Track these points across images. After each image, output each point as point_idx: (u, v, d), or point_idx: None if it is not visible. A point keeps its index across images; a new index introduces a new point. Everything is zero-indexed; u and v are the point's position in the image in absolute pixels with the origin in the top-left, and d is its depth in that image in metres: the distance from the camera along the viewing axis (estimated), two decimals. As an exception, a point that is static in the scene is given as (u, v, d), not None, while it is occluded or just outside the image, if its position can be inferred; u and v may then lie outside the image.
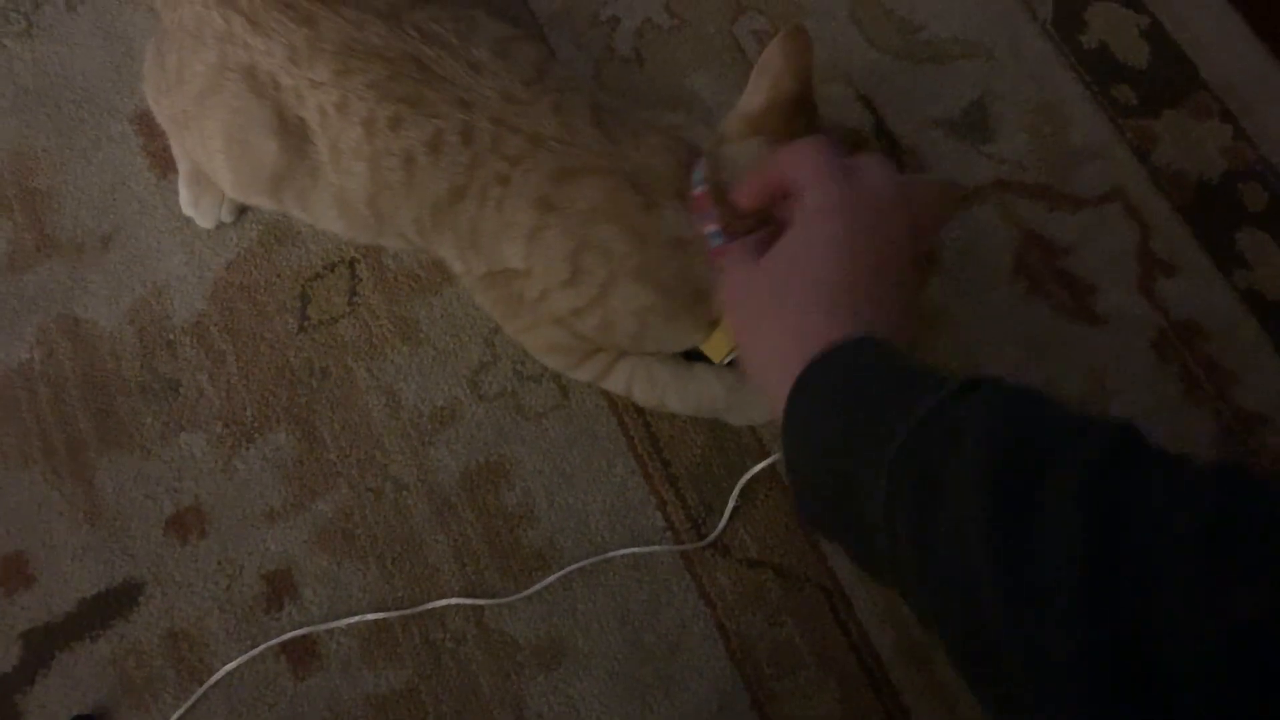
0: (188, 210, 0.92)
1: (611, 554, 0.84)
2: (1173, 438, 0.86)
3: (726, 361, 0.80)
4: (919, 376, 0.51)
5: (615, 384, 0.85)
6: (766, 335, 0.60)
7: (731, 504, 0.85)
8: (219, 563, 0.85)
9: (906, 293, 0.62)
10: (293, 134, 0.77)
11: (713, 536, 0.85)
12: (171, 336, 0.91)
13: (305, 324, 0.91)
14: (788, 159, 0.64)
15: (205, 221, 0.92)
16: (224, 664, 0.82)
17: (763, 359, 0.60)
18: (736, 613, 0.84)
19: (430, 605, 0.83)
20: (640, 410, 0.88)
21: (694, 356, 0.84)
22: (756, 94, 0.75)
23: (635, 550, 0.84)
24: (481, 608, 0.83)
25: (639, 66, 0.99)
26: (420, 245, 0.83)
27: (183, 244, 0.93)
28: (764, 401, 0.82)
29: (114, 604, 0.84)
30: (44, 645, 0.83)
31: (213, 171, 0.85)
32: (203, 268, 0.93)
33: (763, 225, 0.68)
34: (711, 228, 0.73)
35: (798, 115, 0.73)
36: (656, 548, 0.85)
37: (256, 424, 0.88)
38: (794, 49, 0.73)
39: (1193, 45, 1.00)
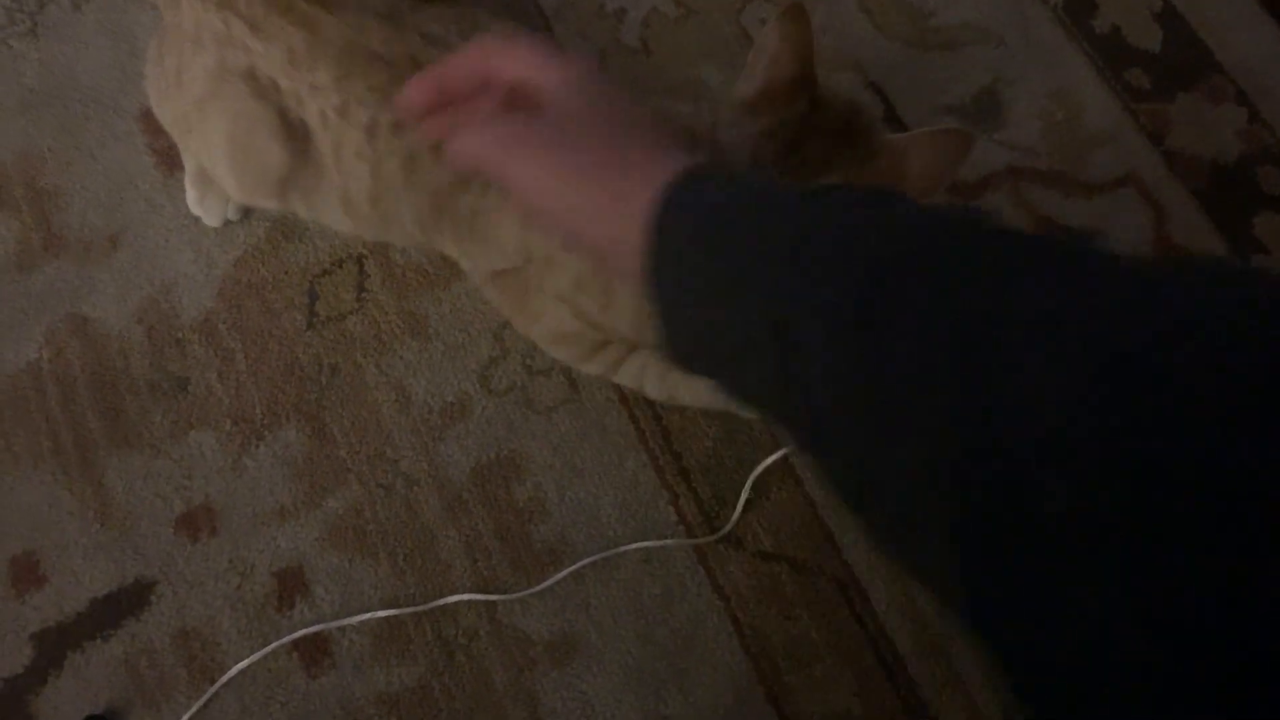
0: (195, 209, 0.92)
1: (624, 548, 0.84)
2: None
3: None
4: (763, 195, 0.46)
5: (627, 378, 0.84)
6: (580, 186, 0.49)
7: (744, 496, 0.84)
8: (230, 561, 0.84)
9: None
10: (296, 136, 0.77)
11: (726, 529, 0.84)
12: (180, 334, 0.90)
13: (314, 321, 0.90)
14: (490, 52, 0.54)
15: (212, 220, 0.92)
16: (236, 662, 0.81)
17: (584, 215, 0.49)
18: (751, 606, 0.83)
19: (442, 601, 0.82)
20: (651, 403, 0.87)
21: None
22: (753, 76, 0.73)
23: (648, 544, 0.84)
24: (494, 603, 0.83)
25: (646, 57, 0.99)
26: (423, 241, 0.82)
27: (190, 242, 0.93)
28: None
29: (125, 603, 0.83)
30: (56, 646, 0.82)
31: (217, 175, 0.85)
32: (210, 265, 0.92)
33: None
34: None
35: (798, 95, 0.72)
36: (669, 541, 0.84)
37: (266, 421, 0.88)
38: (792, 29, 0.72)
39: (1206, 28, 0.99)
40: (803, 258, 0.42)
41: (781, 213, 0.44)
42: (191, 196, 0.91)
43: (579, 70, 0.51)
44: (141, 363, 0.90)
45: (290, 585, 0.84)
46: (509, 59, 0.52)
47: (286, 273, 0.92)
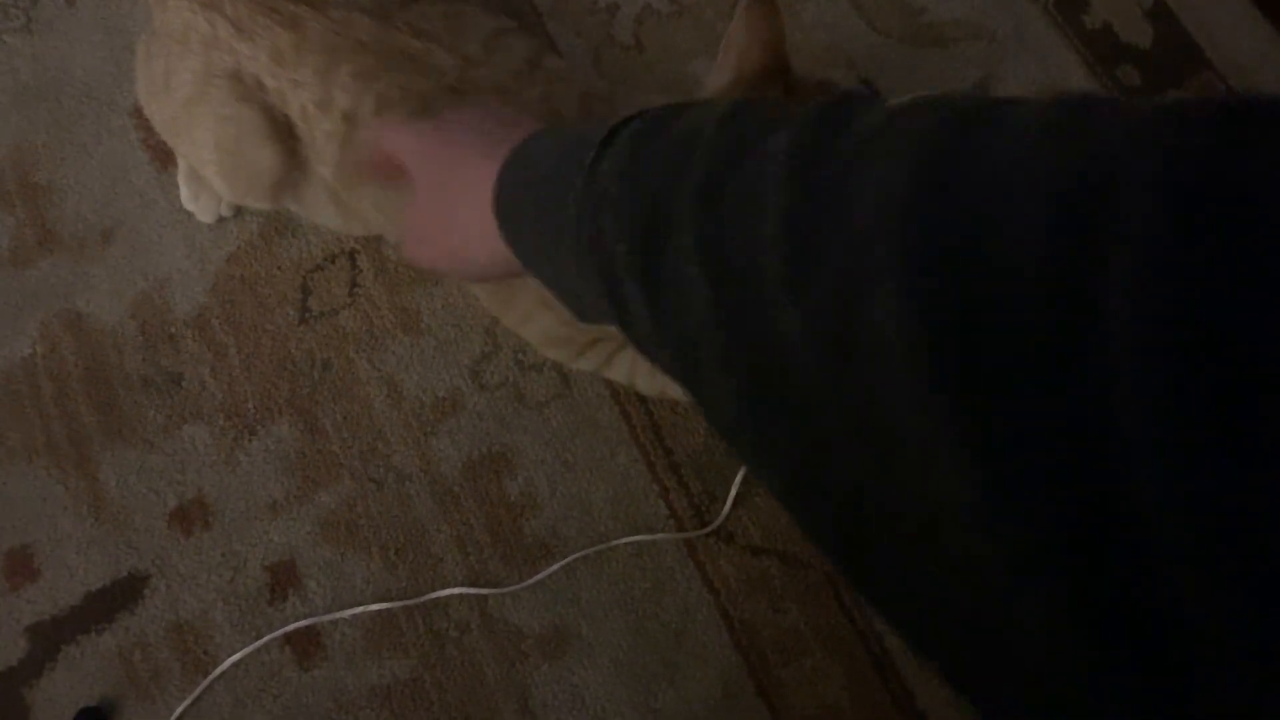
0: (188, 205, 0.92)
1: (615, 542, 0.84)
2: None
3: None
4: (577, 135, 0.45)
5: (617, 373, 0.85)
6: (455, 236, 0.54)
7: (734, 491, 0.85)
8: (223, 554, 0.85)
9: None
10: (284, 135, 0.77)
11: (716, 523, 0.84)
12: (173, 329, 0.91)
13: (306, 315, 0.91)
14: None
15: (206, 216, 0.92)
16: (229, 655, 0.82)
17: (476, 251, 0.52)
18: (740, 600, 0.83)
19: (434, 595, 0.83)
20: (642, 398, 0.88)
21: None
22: (724, 69, 0.72)
23: (638, 538, 0.84)
24: (485, 597, 0.83)
25: (639, 53, 0.99)
26: None
27: (184, 237, 0.93)
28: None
29: (119, 597, 0.84)
30: (50, 639, 0.83)
31: (208, 178, 0.85)
32: (204, 261, 0.93)
33: None
34: None
35: (768, 86, 0.71)
36: (660, 536, 0.84)
37: (259, 416, 0.88)
38: (758, 19, 0.70)
39: (1197, 25, 0.99)
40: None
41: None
42: (185, 194, 0.92)
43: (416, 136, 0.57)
44: (135, 358, 0.90)
45: (283, 579, 0.84)
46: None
47: (279, 268, 0.92)
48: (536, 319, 0.82)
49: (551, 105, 0.75)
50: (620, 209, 0.39)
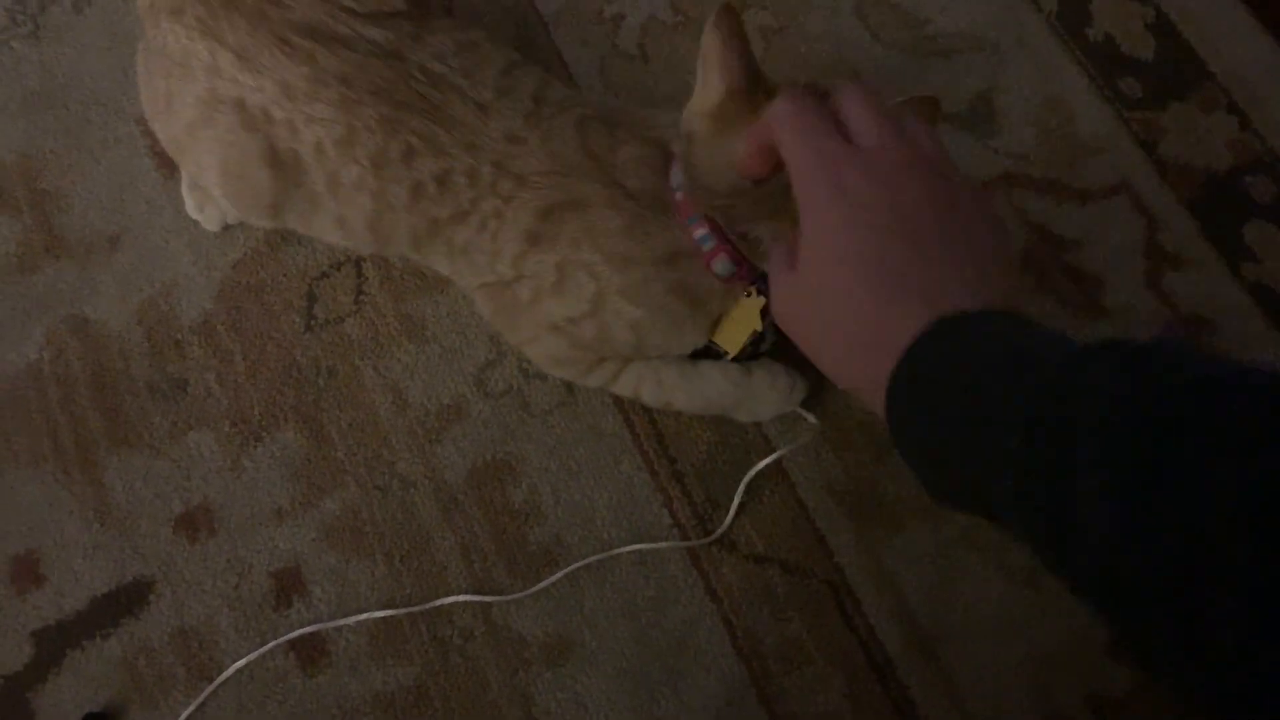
0: (193, 214, 0.92)
1: (618, 551, 0.84)
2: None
3: (746, 348, 0.80)
4: (1020, 354, 0.45)
5: (623, 389, 0.85)
6: (832, 349, 0.53)
7: (737, 500, 0.85)
8: (228, 561, 0.85)
9: (985, 229, 0.53)
10: (286, 166, 0.77)
11: (719, 532, 0.85)
12: (179, 336, 0.91)
13: (312, 323, 0.91)
14: (764, 131, 0.58)
15: (211, 225, 0.92)
16: (234, 661, 0.82)
17: (843, 372, 0.53)
18: (743, 608, 0.84)
19: (438, 603, 0.83)
20: (646, 408, 0.88)
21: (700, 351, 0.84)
22: (710, 86, 0.73)
23: (641, 547, 0.84)
24: (489, 605, 0.83)
25: (644, 63, 1.00)
26: (415, 258, 0.83)
27: (190, 244, 0.94)
28: (769, 397, 0.82)
29: (124, 602, 0.84)
30: (55, 644, 0.83)
31: (212, 195, 0.86)
32: (210, 267, 0.93)
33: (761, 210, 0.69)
34: (700, 231, 0.73)
35: (758, 93, 0.72)
36: (663, 544, 0.85)
37: (264, 423, 0.89)
38: (727, 29, 0.72)
39: (1199, 37, 1.00)
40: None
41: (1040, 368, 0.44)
42: (189, 204, 0.92)
43: (830, 171, 0.52)
44: (141, 364, 0.90)
45: (288, 585, 0.84)
46: (783, 147, 0.56)
47: (285, 275, 0.93)
48: (543, 341, 0.82)
49: (551, 149, 0.75)
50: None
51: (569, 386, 0.89)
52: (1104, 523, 0.39)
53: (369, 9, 0.76)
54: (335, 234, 0.82)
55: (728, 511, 0.85)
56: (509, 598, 0.83)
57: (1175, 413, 0.38)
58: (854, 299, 0.50)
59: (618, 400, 0.89)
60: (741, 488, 0.85)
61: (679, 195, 0.74)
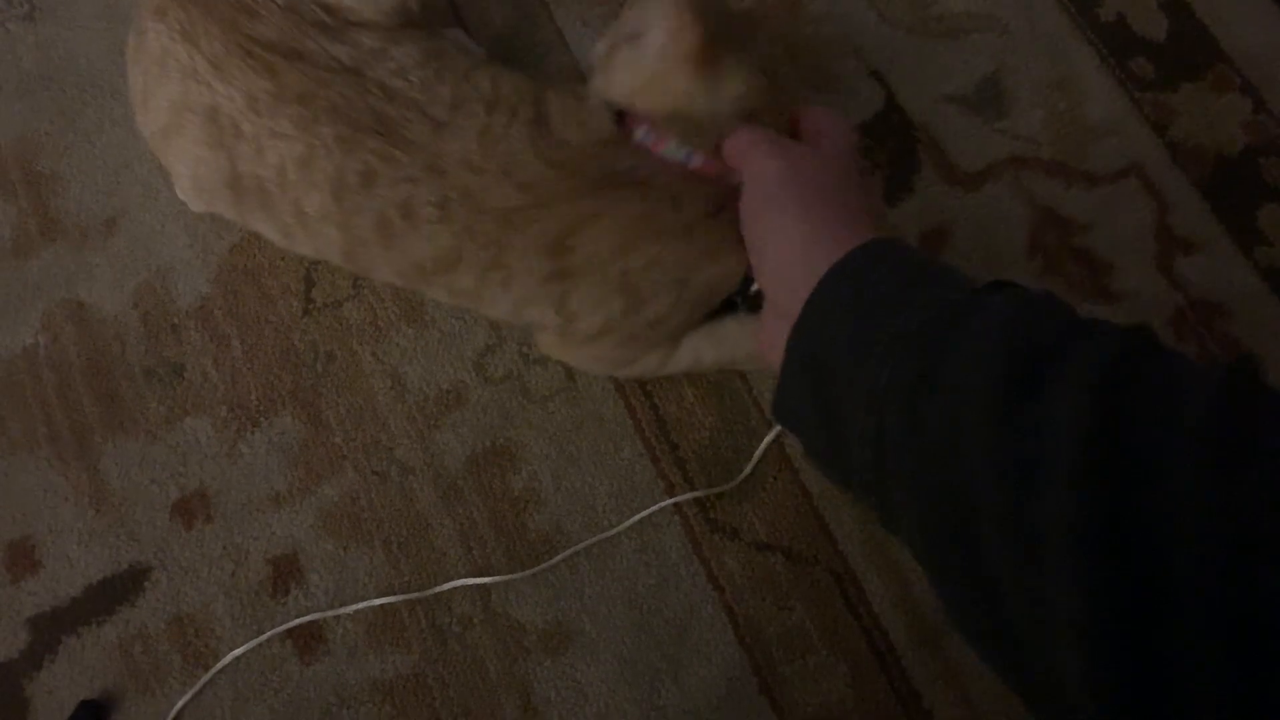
0: (181, 195, 0.91)
1: (616, 529, 0.83)
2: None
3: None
4: (941, 274, 0.53)
5: (681, 364, 0.84)
6: (789, 238, 0.60)
7: (748, 470, 0.85)
8: (225, 548, 0.84)
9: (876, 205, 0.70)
10: (249, 192, 0.76)
11: (735, 482, 0.85)
12: (176, 320, 0.90)
13: (310, 307, 0.90)
14: (734, 151, 0.70)
15: (198, 206, 0.91)
16: (230, 649, 0.81)
17: (783, 260, 0.61)
18: (745, 596, 0.83)
19: (437, 589, 0.82)
20: (647, 393, 0.87)
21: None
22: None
23: (640, 515, 0.84)
24: (489, 592, 0.83)
25: (645, 44, 0.98)
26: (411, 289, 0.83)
27: (186, 227, 0.92)
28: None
29: (120, 589, 0.83)
30: (51, 631, 0.82)
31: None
32: (207, 251, 0.92)
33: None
34: (641, 129, 0.74)
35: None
36: (660, 504, 0.84)
37: (261, 408, 0.88)
38: None
39: (1212, 17, 0.98)
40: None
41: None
42: (178, 185, 0.91)
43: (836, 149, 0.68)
44: (137, 348, 0.90)
45: (285, 572, 0.84)
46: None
47: (283, 258, 0.91)
48: (609, 356, 0.83)
49: (517, 178, 0.73)
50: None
51: (569, 373, 0.88)
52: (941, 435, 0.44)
53: (342, 21, 0.75)
54: (320, 256, 0.81)
55: (729, 495, 0.84)
56: (507, 578, 0.82)
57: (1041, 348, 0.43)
58: (821, 205, 0.62)
59: (618, 386, 0.88)
60: (745, 472, 0.84)
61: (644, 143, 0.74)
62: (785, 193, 0.62)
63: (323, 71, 0.73)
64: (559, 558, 0.83)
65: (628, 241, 0.74)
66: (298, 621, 0.82)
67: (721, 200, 0.73)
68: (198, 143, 0.76)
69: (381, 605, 0.82)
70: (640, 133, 0.73)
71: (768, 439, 0.85)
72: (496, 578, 0.82)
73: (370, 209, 0.74)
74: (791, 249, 0.59)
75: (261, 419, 0.87)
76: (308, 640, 0.82)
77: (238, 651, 0.81)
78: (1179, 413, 0.38)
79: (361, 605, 0.82)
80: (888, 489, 0.48)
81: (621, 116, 0.74)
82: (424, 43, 0.77)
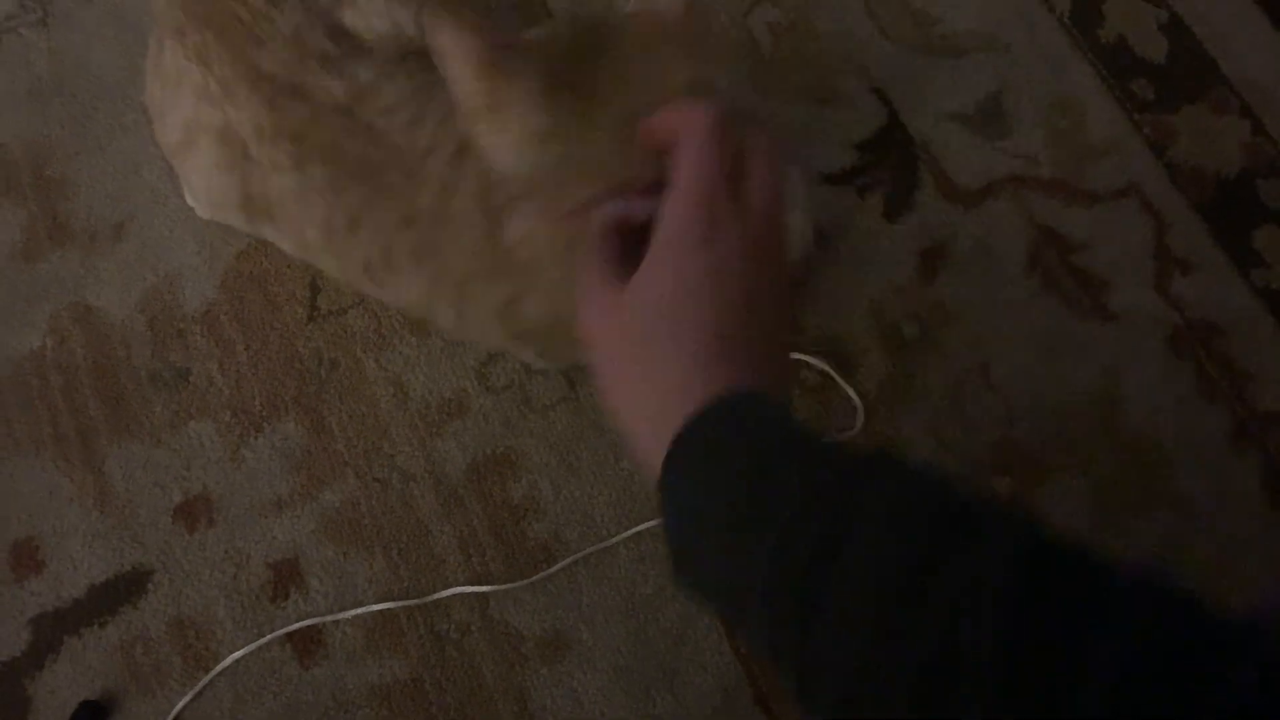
0: (192, 202, 0.92)
1: (614, 539, 0.84)
2: (1188, 435, 0.86)
3: None
4: (803, 447, 0.45)
5: None
6: (635, 388, 0.51)
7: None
8: (226, 551, 0.85)
9: (785, 334, 0.56)
10: (259, 211, 0.78)
11: None
12: (182, 325, 0.91)
13: (315, 314, 0.91)
14: (671, 124, 0.54)
15: (204, 213, 0.92)
16: (230, 652, 0.82)
17: (632, 413, 0.51)
18: (742, 608, 0.83)
19: (436, 596, 0.83)
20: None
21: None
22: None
23: (639, 529, 0.85)
24: (486, 599, 0.83)
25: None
26: None
27: (194, 233, 0.94)
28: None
29: (123, 591, 0.84)
30: (53, 631, 0.83)
31: None
32: (214, 257, 0.93)
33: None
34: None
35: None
36: (656, 522, 0.84)
37: (265, 413, 0.89)
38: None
39: (1212, 40, 0.99)
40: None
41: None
42: (187, 192, 0.92)
43: (713, 220, 0.51)
44: (143, 352, 0.91)
45: (285, 576, 0.84)
46: (681, 150, 0.52)
47: (289, 265, 0.92)
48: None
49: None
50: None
51: (571, 383, 0.89)
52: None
53: (346, 49, 0.75)
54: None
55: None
56: (505, 587, 0.83)
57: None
58: (667, 347, 0.49)
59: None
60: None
61: None
62: (684, 314, 0.49)
63: (317, 109, 0.73)
64: (557, 566, 0.84)
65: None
66: (298, 625, 0.83)
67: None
68: (211, 162, 0.77)
69: (381, 611, 0.83)
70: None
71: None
72: (495, 586, 0.83)
73: (357, 252, 0.74)
74: (659, 386, 0.49)
75: (265, 424, 0.88)
76: (307, 644, 0.83)
77: (238, 654, 0.82)
78: (1090, 658, 0.34)
79: (361, 610, 0.83)
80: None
81: None
82: (418, 76, 0.75)
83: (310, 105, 0.74)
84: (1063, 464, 0.87)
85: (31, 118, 0.98)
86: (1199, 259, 0.92)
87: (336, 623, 0.83)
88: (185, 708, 0.81)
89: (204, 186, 0.80)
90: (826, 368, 0.88)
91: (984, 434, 0.88)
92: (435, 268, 0.73)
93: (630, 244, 0.53)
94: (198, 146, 0.77)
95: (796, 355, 0.89)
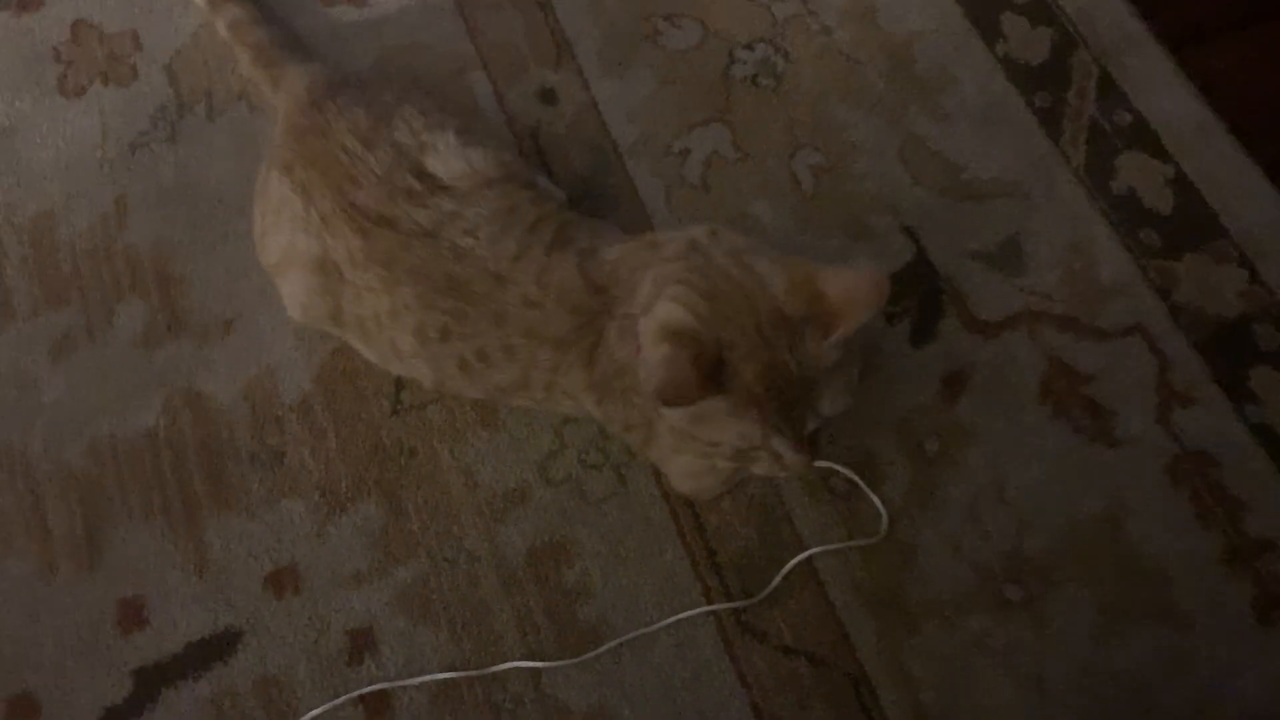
0: (290, 312, 1.02)
1: (656, 626, 0.93)
2: (1184, 555, 0.94)
3: None
4: None
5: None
6: None
7: (773, 585, 0.94)
8: (309, 618, 0.95)
9: None
10: (351, 328, 0.92)
11: (760, 597, 0.94)
12: (280, 413, 1.02)
13: (398, 408, 1.02)
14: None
15: (301, 321, 1.03)
16: (309, 710, 0.91)
17: None
18: (771, 695, 0.91)
19: (495, 668, 0.92)
20: (690, 502, 0.98)
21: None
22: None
23: (680, 616, 0.93)
24: (540, 675, 0.92)
25: (705, 193, 1.11)
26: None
27: (294, 331, 1.05)
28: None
29: (216, 649, 0.94)
30: (153, 682, 0.93)
31: None
32: (310, 353, 1.04)
33: None
34: None
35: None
36: (695, 610, 0.93)
37: (350, 495, 0.99)
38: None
39: (1215, 195, 1.09)
40: None
41: None
42: (288, 304, 1.03)
43: None
44: (244, 435, 1.02)
45: (361, 643, 0.94)
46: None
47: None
48: (674, 458, 0.92)
49: (566, 304, 0.85)
50: None
51: (622, 478, 0.99)
52: None
53: (428, 186, 0.88)
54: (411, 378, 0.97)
55: (760, 602, 0.93)
56: (557, 664, 0.92)
57: None
58: None
59: (664, 492, 0.98)
60: (776, 581, 0.94)
61: None
62: None
63: (405, 236, 0.86)
64: (604, 648, 0.92)
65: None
66: (370, 689, 0.92)
67: None
68: (306, 285, 0.91)
69: (444, 679, 0.92)
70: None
71: (799, 557, 0.95)
72: (548, 663, 0.92)
73: (451, 355, 0.87)
74: None
75: (349, 505, 0.99)
76: (377, 706, 0.92)
77: (315, 712, 0.91)
78: None
79: (426, 678, 0.92)
80: None
81: None
82: (495, 202, 0.89)
83: (399, 233, 0.87)
84: (1069, 575, 0.95)
85: (158, 222, 1.11)
86: (1198, 394, 1.01)
87: (404, 688, 0.92)
88: (265, 759, 0.90)
89: (300, 303, 0.94)
90: (854, 477, 0.98)
91: (997, 544, 0.96)
92: (531, 345, 0.85)
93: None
94: (294, 269, 0.91)
95: (828, 463, 0.98)
